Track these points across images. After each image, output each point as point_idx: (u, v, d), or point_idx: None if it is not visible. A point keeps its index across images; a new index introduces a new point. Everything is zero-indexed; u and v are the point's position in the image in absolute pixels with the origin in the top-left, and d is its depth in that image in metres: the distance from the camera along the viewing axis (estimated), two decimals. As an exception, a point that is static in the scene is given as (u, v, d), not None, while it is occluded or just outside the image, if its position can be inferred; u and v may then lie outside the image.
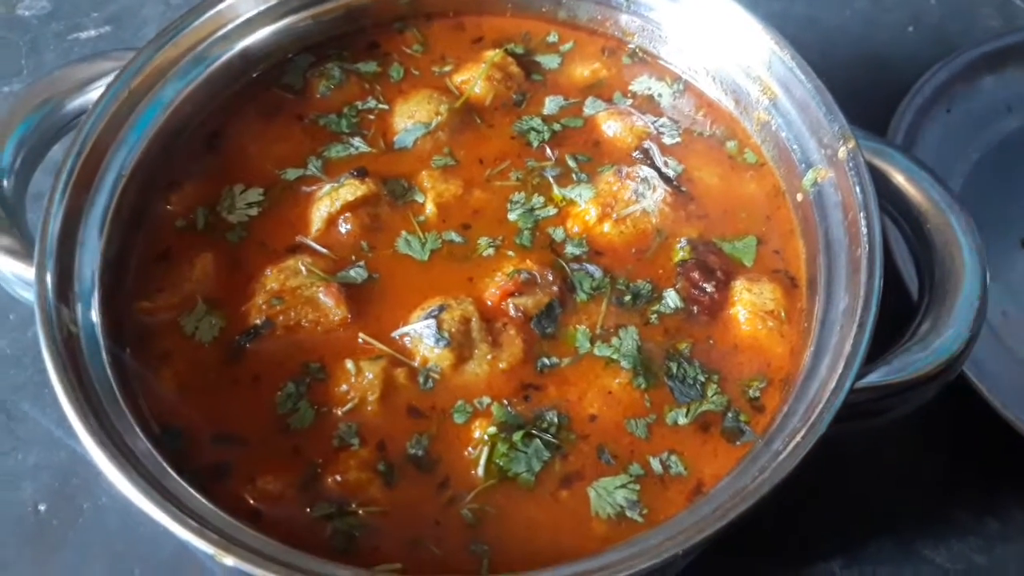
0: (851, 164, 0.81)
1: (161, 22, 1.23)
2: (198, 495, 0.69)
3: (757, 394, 0.80)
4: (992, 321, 1.00)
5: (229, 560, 0.61)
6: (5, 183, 0.83)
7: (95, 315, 0.77)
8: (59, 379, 0.70)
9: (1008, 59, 1.18)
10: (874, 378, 0.73)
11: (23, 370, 0.98)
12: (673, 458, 0.77)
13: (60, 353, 0.71)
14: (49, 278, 0.75)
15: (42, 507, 0.91)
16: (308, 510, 0.73)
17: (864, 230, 0.77)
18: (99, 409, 0.70)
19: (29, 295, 0.79)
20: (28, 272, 0.77)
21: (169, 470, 0.70)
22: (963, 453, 0.96)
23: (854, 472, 0.94)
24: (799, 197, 0.88)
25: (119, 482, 0.66)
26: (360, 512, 0.73)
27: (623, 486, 0.75)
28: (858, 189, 0.79)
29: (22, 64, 1.22)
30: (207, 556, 0.63)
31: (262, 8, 0.95)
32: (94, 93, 0.87)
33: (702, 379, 0.80)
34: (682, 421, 0.78)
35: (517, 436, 0.76)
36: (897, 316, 0.80)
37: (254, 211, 0.89)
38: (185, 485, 0.69)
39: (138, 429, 0.72)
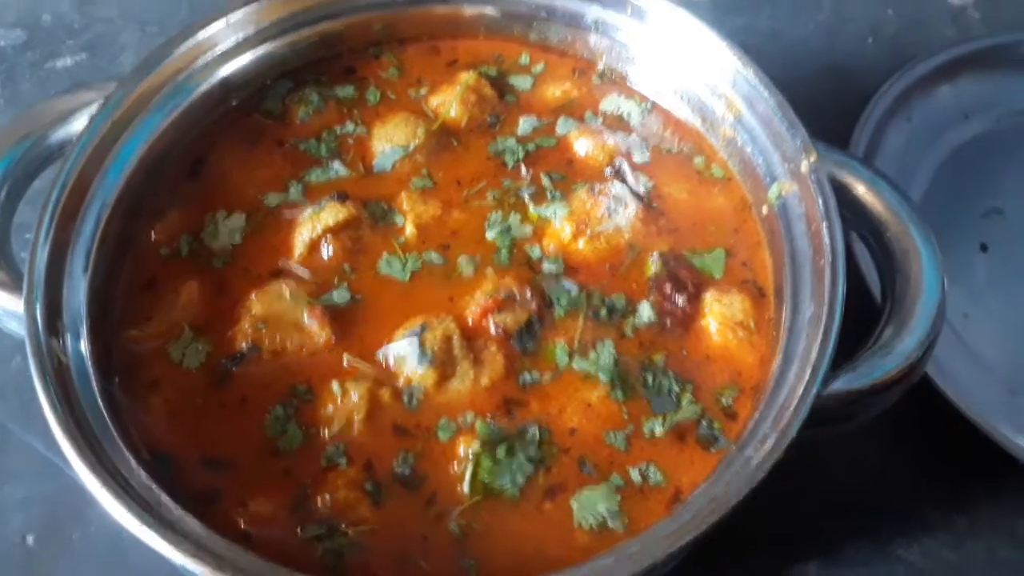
0: (813, 177, 0.84)
1: (138, 49, 1.25)
2: (190, 519, 0.70)
3: (730, 402, 0.83)
4: (954, 324, 1.04)
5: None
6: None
7: (84, 345, 0.79)
8: (50, 409, 0.71)
9: (963, 68, 1.22)
10: (840, 384, 0.76)
11: (7, 402, 0.99)
12: (651, 468, 0.79)
13: (51, 383, 0.73)
14: (38, 309, 0.76)
15: (30, 539, 0.92)
16: (299, 531, 0.75)
17: (827, 241, 0.80)
18: (90, 437, 0.72)
19: (14, 326, 0.80)
20: (14, 304, 0.79)
21: (161, 495, 0.71)
22: (931, 453, 1.00)
23: (829, 475, 0.97)
24: (764, 210, 0.91)
25: (112, 508, 0.68)
26: (349, 532, 0.75)
27: (605, 497, 0.77)
28: (820, 201, 0.82)
29: None
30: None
31: (240, 36, 0.97)
32: (76, 124, 0.89)
33: (677, 389, 0.83)
34: (659, 431, 0.81)
35: (501, 451, 0.78)
36: (864, 322, 0.83)
37: (237, 237, 0.91)
38: (177, 510, 0.71)
39: (129, 456, 0.73)
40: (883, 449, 1.00)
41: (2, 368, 1.01)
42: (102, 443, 0.72)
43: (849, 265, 0.81)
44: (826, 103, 1.11)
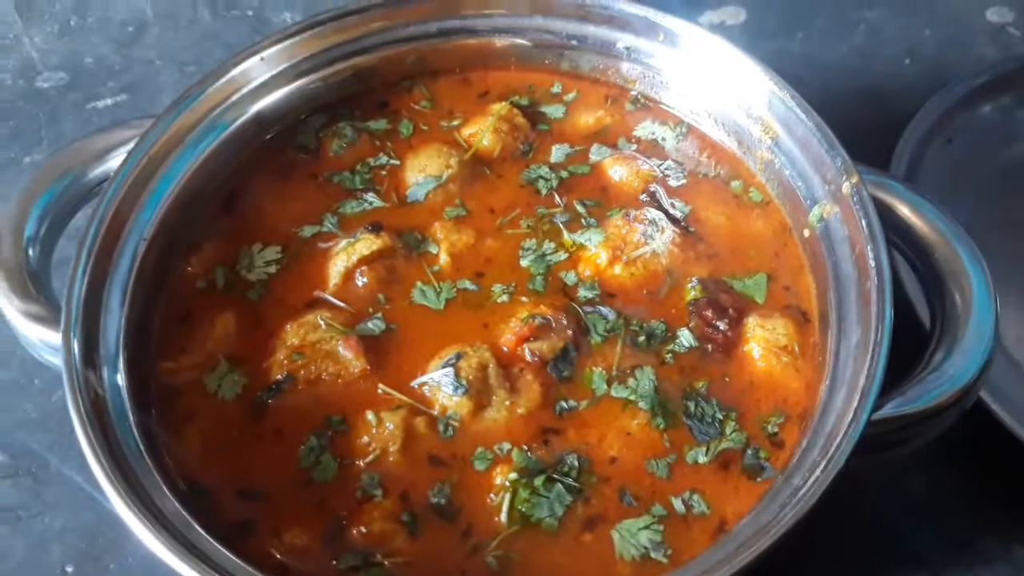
0: (856, 199, 0.82)
1: (176, 89, 1.26)
2: (225, 551, 0.69)
3: (776, 430, 0.80)
4: (1007, 346, 1.00)
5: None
6: (30, 251, 0.86)
7: (120, 377, 0.79)
8: (87, 441, 0.71)
9: (1006, 88, 1.19)
10: (890, 409, 0.74)
11: (49, 433, 1.00)
12: (695, 497, 0.77)
13: (88, 416, 0.73)
14: (75, 343, 0.77)
15: (69, 568, 0.92)
16: (334, 563, 0.74)
17: (872, 263, 0.78)
18: (127, 469, 0.71)
19: (55, 359, 0.81)
20: (54, 337, 0.79)
21: (197, 527, 0.71)
22: (987, 481, 0.96)
23: (878, 504, 0.93)
24: (806, 233, 0.89)
25: (148, 540, 0.67)
26: (386, 563, 0.74)
27: (646, 527, 0.75)
28: (864, 223, 0.80)
29: (42, 135, 1.25)
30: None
31: (274, 72, 0.99)
32: (114, 161, 0.90)
33: (720, 417, 0.81)
34: (702, 460, 0.78)
35: (539, 481, 0.76)
36: (910, 347, 0.80)
37: (272, 268, 0.91)
38: (213, 542, 0.70)
39: (165, 488, 0.73)
40: (934, 477, 0.96)
41: (44, 401, 1.02)
42: (138, 475, 0.72)
43: (895, 288, 0.79)
44: (863, 126, 1.08)
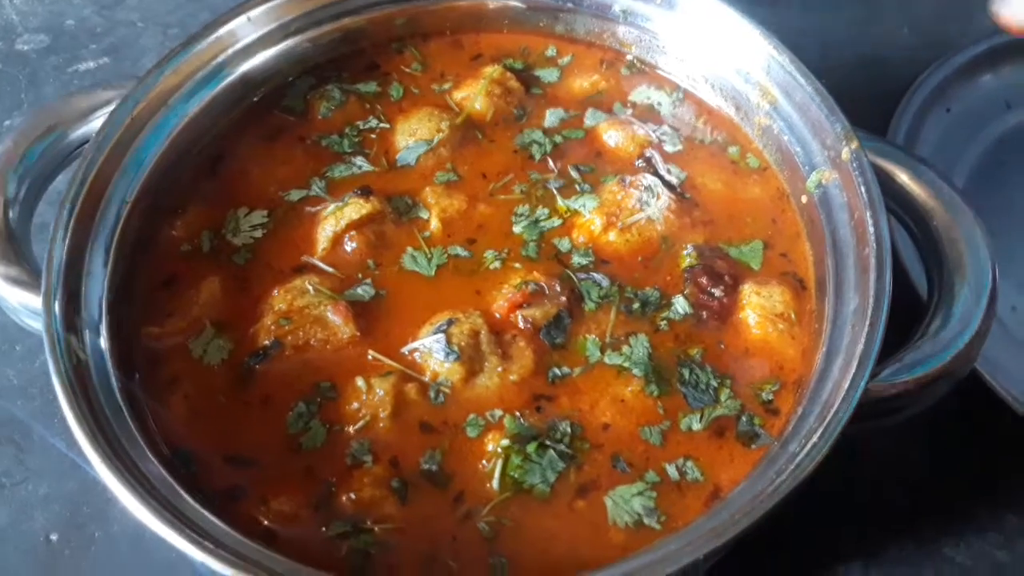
0: (855, 164, 0.81)
1: (160, 51, 1.23)
2: (211, 516, 0.68)
3: (771, 397, 0.79)
4: (1002, 317, 0.99)
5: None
6: (10, 213, 0.84)
7: (103, 342, 0.77)
8: (69, 406, 0.69)
9: (1005, 57, 1.18)
10: (886, 376, 0.73)
11: (31, 400, 0.98)
12: (689, 464, 0.76)
13: (70, 380, 0.71)
14: (57, 306, 0.75)
15: (54, 536, 0.90)
16: (323, 529, 0.72)
17: (871, 230, 0.77)
18: (110, 435, 0.70)
19: (37, 324, 0.79)
20: (35, 301, 0.77)
21: (182, 493, 0.69)
22: (979, 450, 0.95)
23: (872, 472, 0.93)
24: (804, 199, 0.88)
25: (132, 505, 0.65)
26: (375, 529, 0.72)
27: (640, 494, 0.74)
28: (863, 189, 0.79)
29: (22, 98, 1.22)
30: (224, 579, 0.63)
31: (261, 32, 0.96)
32: (96, 122, 0.88)
33: (715, 384, 0.80)
34: (696, 427, 0.78)
35: (531, 447, 0.75)
36: (906, 314, 0.79)
37: (259, 233, 0.89)
38: (198, 507, 0.69)
39: (150, 454, 0.71)
40: (928, 446, 0.96)
41: (27, 367, 1.00)
42: (121, 440, 0.70)
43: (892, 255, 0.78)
44: (862, 95, 1.06)
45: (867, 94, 1.08)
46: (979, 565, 0.89)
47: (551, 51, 1.03)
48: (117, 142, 0.85)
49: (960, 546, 0.90)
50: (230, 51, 0.95)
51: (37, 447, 0.95)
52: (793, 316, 0.82)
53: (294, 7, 0.98)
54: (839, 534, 0.90)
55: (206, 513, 0.68)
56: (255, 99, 0.98)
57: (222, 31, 0.93)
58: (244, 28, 0.95)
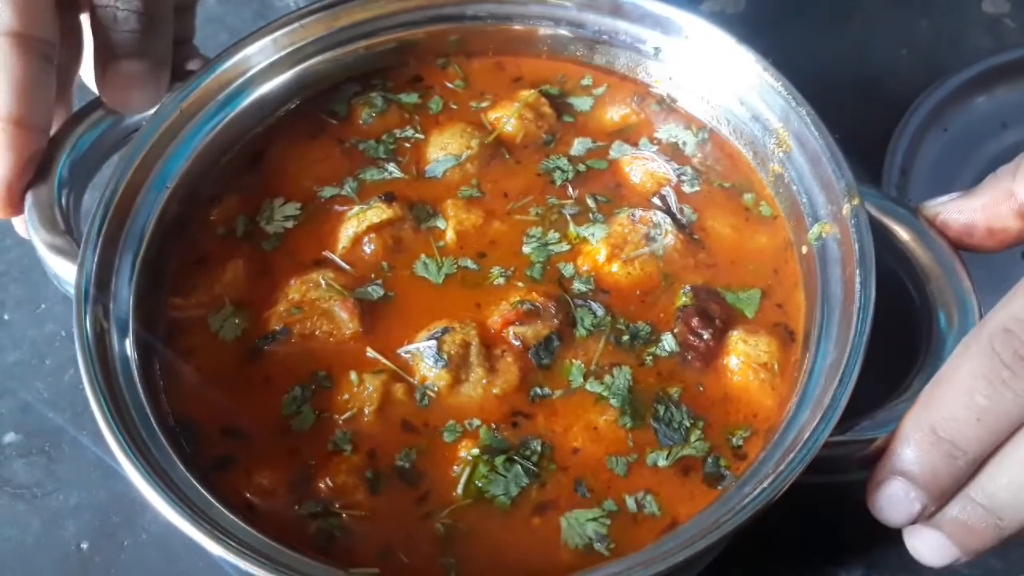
0: (853, 221, 0.82)
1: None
2: (202, 489, 0.74)
3: (740, 443, 0.81)
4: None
5: (218, 549, 0.67)
6: (63, 190, 0.90)
7: (127, 311, 0.84)
8: (86, 370, 0.76)
9: (999, 78, 1.22)
10: (855, 433, 0.74)
11: (61, 412, 1.04)
12: (648, 498, 0.78)
13: (90, 347, 0.78)
14: (90, 276, 0.81)
15: (84, 545, 0.97)
16: (296, 507, 0.78)
17: (858, 287, 0.78)
18: (121, 403, 0.76)
19: (71, 290, 0.87)
20: (67, 266, 0.84)
21: (177, 463, 0.75)
22: None
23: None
24: (804, 250, 0.89)
25: (129, 471, 0.71)
26: (343, 515, 0.78)
27: (595, 519, 0.77)
28: (857, 246, 0.80)
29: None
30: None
31: (315, 37, 1.02)
32: (148, 110, 0.95)
33: (687, 424, 0.82)
34: (662, 463, 0.80)
35: (499, 460, 0.79)
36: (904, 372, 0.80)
37: (290, 223, 0.96)
38: (191, 479, 0.74)
39: (154, 422, 0.77)
40: None
41: (56, 380, 1.07)
42: (131, 408, 0.76)
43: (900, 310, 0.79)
44: (861, 115, 1.11)
45: (867, 116, 1.14)
46: (975, 572, 0.91)
47: (587, 80, 1.06)
48: (164, 132, 0.92)
49: None
50: (284, 52, 1.01)
51: (67, 458, 1.02)
52: (776, 367, 0.84)
53: (351, 15, 1.04)
54: (842, 540, 0.91)
55: (197, 486, 0.74)
56: (302, 100, 1.04)
57: (280, 32, 1.00)
58: (304, 30, 1.01)
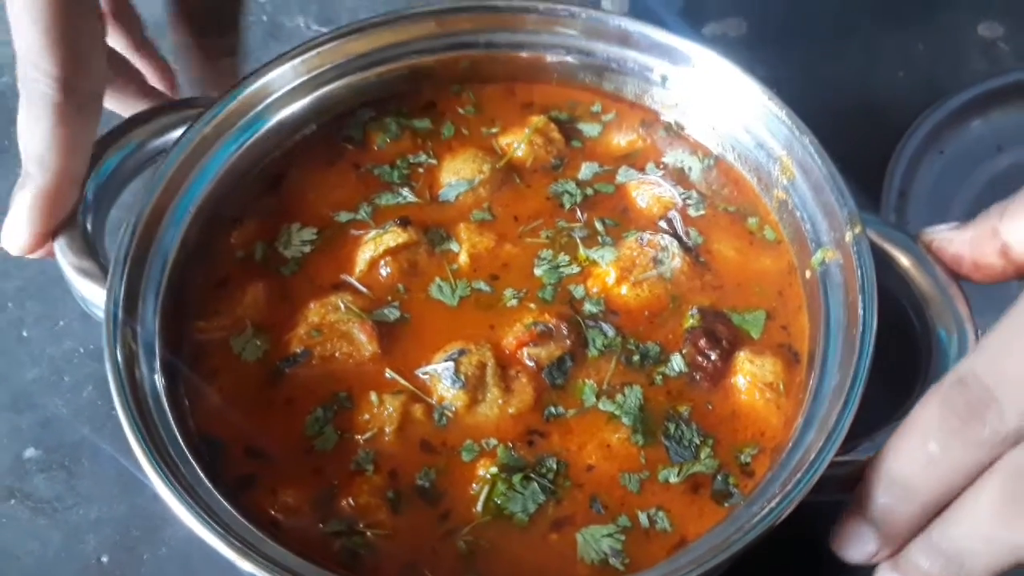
0: (855, 248, 0.85)
1: (193, 94, 1.32)
2: (227, 504, 0.76)
3: (748, 460, 0.84)
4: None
5: (248, 566, 0.69)
6: (88, 213, 0.94)
7: (153, 334, 0.87)
8: (117, 391, 0.78)
9: (994, 101, 1.26)
10: (859, 454, 0.77)
11: (80, 428, 1.07)
12: (660, 514, 0.81)
13: (120, 369, 0.80)
14: (119, 300, 0.84)
15: (104, 559, 0.99)
16: (320, 525, 0.81)
17: (861, 312, 0.81)
18: (151, 424, 0.78)
19: (99, 312, 0.89)
20: (101, 294, 0.87)
21: (204, 480, 0.78)
22: None
23: None
24: (808, 275, 0.92)
25: (160, 489, 0.74)
26: (367, 533, 0.80)
27: (609, 535, 0.80)
28: (859, 272, 0.83)
29: None
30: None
31: (332, 64, 1.05)
32: (171, 136, 0.98)
33: (697, 442, 0.85)
34: (673, 480, 0.83)
35: (516, 478, 0.82)
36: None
37: (307, 248, 0.98)
38: (217, 495, 0.77)
39: (181, 440, 0.80)
40: None
41: (75, 397, 1.10)
42: (158, 426, 0.79)
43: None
44: (860, 138, 1.14)
45: (866, 138, 1.18)
46: None
47: (596, 107, 1.10)
48: (187, 156, 0.95)
49: None
50: (303, 79, 1.04)
51: (87, 472, 1.04)
52: (782, 387, 0.87)
53: (366, 43, 1.06)
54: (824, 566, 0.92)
55: (224, 503, 0.76)
56: (318, 125, 1.07)
57: (296, 61, 1.03)
58: (316, 59, 1.04)
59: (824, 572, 0.96)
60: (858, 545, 0.75)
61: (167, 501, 0.74)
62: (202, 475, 0.78)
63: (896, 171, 1.16)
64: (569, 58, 1.09)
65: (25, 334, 1.15)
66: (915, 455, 0.71)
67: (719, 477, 0.83)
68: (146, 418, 0.79)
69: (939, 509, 0.72)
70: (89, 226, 0.93)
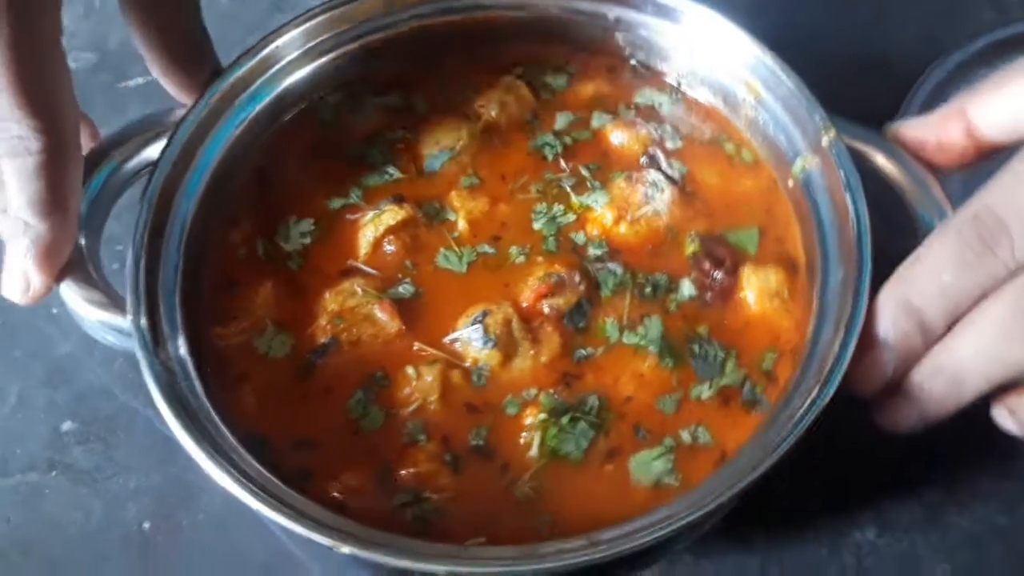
0: (834, 151, 0.91)
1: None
2: (294, 492, 0.79)
3: (770, 366, 0.90)
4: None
5: (346, 549, 0.72)
6: (83, 240, 0.92)
7: (183, 348, 0.87)
8: (172, 412, 0.79)
9: (1001, 52, 1.24)
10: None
11: (113, 400, 1.09)
12: (700, 429, 0.87)
13: (164, 389, 0.81)
14: (143, 325, 0.84)
15: (146, 525, 1.01)
16: (388, 500, 0.84)
17: (851, 208, 0.88)
18: (205, 432, 0.80)
19: (113, 339, 0.89)
20: (114, 319, 0.87)
21: (266, 472, 0.80)
22: (982, 426, 1.04)
23: (880, 445, 1.00)
24: (790, 183, 0.98)
25: (234, 490, 0.76)
26: (433, 498, 0.84)
27: (659, 457, 0.85)
28: (842, 173, 0.89)
29: None
30: (319, 552, 0.73)
31: (292, 56, 1.05)
32: (148, 150, 0.97)
33: (721, 356, 0.91)
34: (706, 395, 0.89)
35: (564, 420, 0.86)
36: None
37: (308, 240, 0.99)
38: (279, 483, 0.79)
39: (235, 442, 0.82)
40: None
41: (106, 370, 1.11)
42: (213, 435, 0.80)
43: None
44: (867, 95, 1.13)
45: (873, 95, 1.16)
46: (982, 529, 1.00)
47: (559, 59, 1.12)
48: (174, 166, 0.94)
49: (965, 513, 1.01)
50: (267, 75, 1.04)
51: (123, 443, 1.06)
52: (787, 293, 0.93)
53: (319, 30, 1.06)
54: (850, 502, 1.00)
55: (287, 489, 0.79)
56: (292, 115, 1.07)
57: (257, 59, 1.02)
58: (277, 53, 1.04)
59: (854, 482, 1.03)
60: (876, 371, 0.80)
61: (239, 496, 0.75)
62: (262, 468, 0.80)
63: None
64: (522, 13, 1.11)
65: (55, 311, 1.15)
66: (929, 285, 0.77)
67: (746, 386, 0.89)
68: (201, 428, 0.80)
69: (943, 335, 0.78)
70: (87, 251, 0.92)
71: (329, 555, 0.75)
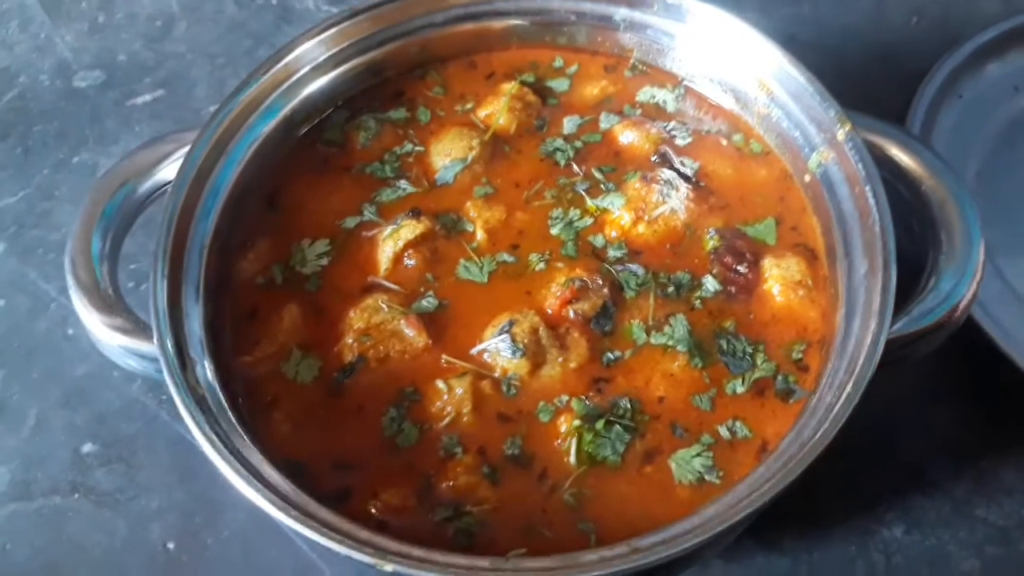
0: (850, 144, 0.91)
1: (209, 81, 1.32)
2: (328, 511, 0.78)
3: (800, 356, 0.91)
4: (1014, 284, 1.08)
5: (389, 567, 0.71)
6: (102, 268, 0.92)
7: (211, 375, 0.86)
8: (202, 434, 0.79)
9: (1011, 42, 1.26)
10: (901, 327, 0.84)
11: (133, 421, 1.08)
12: (737, 424, 0.87)
13: (195, 410, 0.80)
14: (169, 350, 0.84)
15: (171, 545, 1.01)
16: (430, 515, 0.83)
17: (872, 201, 0.88)
18: (240, 457, 0.79)
19: (135, 364, 0.88)
20: (136, 345, 0.86)
21: (300, 493, 0.79)
22: (1005, 419, 1.05)
23: (905, 441, 1.03)
24: (807, 178, 0.98)
25: (270, 510, 0.75)
26: (474, 511, 0.83)
27: (698, 455, 0.85)
28: (860, 166, 0.90)
29: (86, 134, 1.29)
30: (363, 568, 0.73)
31: (296, 76, 1.04)
32: (160, 173, 0.96)
33: (750, 350, 0.91)
34: (740, 390, 0.89)
35: (599, 424, 0.86)
36: (904, 275, 0.89)
37: (324, 261, 0.99)
38: (317, 504, 0.78)
39: (269, 466, 0.81)
40: (955, 414, 1.06)
41: (125, 391, 1.11)
42: (249, 460, 0.80)
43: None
44: (878, 87, 1.16)
45: (884, 86, 1.18)
46: (1010, 524, 1.00)
47: (558, 62, 1.13)
48: (188, 192, 0.94)
49: (992, 508, 1.01)
50: (272, 96, 1.03)
51: (145, 464, 1.06)
52: (810, 282, 0.94)
53: (321, 49, 1.06)
54: (877, 500, 1.01)
55: (322, 508, 0.78)
56: (299, 136, 1.07)
57: (263, 80, 1.02)
58: (280, 74, 1.04)
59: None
60: None
61: (283, 521, 0.75)
62: (302, 492, 0.79)
63: (915, 119, 1.16)
64: (517, 21, 1.11)
65: (71, 332, 1.14)
66: None
67: (779, 377, 0.89)
68: (237, 455, 0.79)
69: None
70: (105, 279, 0.91)
71: (363, 570, 0.74)
